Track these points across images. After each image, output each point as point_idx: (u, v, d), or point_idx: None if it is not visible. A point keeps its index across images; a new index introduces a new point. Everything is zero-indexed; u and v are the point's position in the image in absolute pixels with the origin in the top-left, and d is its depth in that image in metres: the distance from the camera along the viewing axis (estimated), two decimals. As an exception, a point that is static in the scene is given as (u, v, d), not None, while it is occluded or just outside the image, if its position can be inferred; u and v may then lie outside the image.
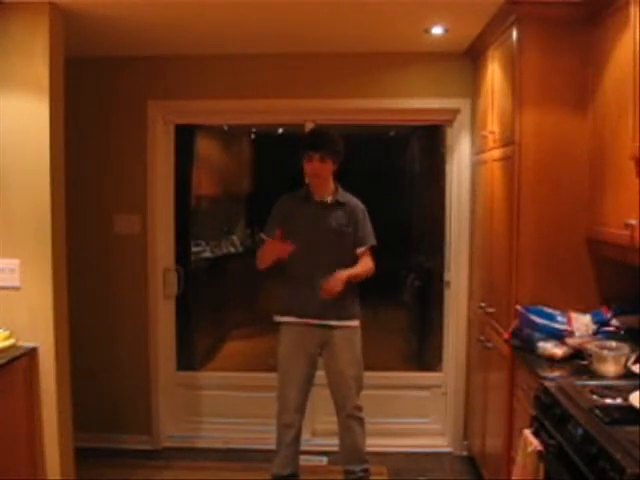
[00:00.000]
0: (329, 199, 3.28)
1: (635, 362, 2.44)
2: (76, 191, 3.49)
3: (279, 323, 3.32)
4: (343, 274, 3.16)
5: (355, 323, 3.30)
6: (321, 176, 3.23)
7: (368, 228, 3.33)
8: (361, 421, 3.31)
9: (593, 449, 1.82)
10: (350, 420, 3.28)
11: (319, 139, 3.24)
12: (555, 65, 2.86)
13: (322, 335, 3.24)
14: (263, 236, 3.33)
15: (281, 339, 3.31)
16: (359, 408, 3.30)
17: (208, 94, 3.96)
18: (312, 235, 3.24)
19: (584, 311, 2.80)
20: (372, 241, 3.33)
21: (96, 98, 3.94)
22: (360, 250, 3.30)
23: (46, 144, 2.88)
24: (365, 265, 3.30)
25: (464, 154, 3.95)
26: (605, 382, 2.33)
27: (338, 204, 3.29)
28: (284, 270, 3.30)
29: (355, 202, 3.34)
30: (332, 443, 3.52)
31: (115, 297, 4.04)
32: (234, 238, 5.99)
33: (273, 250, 3.20)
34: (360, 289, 3.35)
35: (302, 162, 3.24)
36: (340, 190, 3.32)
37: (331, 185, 3.30)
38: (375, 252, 3.37)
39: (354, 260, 3.28)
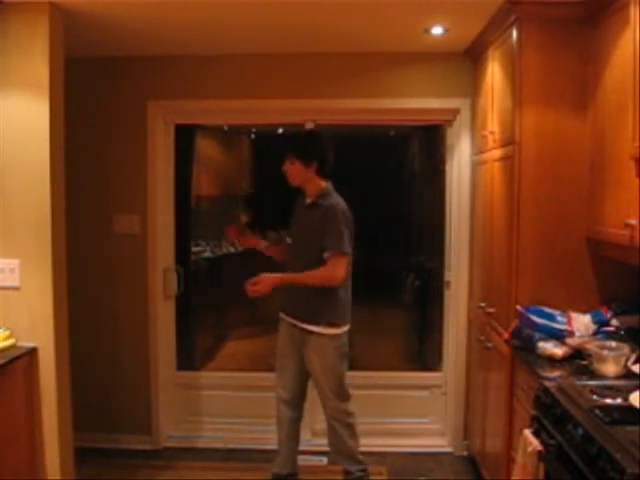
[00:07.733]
0: (310, 201, 3.23)
1: (635, 362, 2.44)
2: (76, 191, 3.48)
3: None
4: (269, 277, 3.08)
5: (328, 331, 3.12)
6: (293, 177, 3.22)
7: (335, 233, 3.04)
8: (347, 425, 3.24)
9: (593, 449, 1.82)
10: (332, 421, 3.26)
11: (289, 142, 3.29)
12: (555, 65, 2.86)
13: (298, 335, 3.21)
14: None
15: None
16: (347, 413, 3.24)
17: (208, 94, 3.96)
18: (295, 236, 3.30)
19: (584, 311, 2.79)
20: (338, 247, 3.02)
21: (96, 98, 3.94)
22: (325, 255, 3.04)
23: (46, 144, 2.88)
24: (315, 272, 3.04)
25: (464, 154, 3.94)
26: (605, 382, 2.33)
27: (315, 205, 3.18)
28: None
29: (330, 204, 3.10)
30: (332, 443, 3.51)
31: (115, 297, 4.04)
32: (234, 238, 5.99)
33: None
34: (353, 293, 3.25)
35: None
36: (327, 192, 3.18)
37: (317, 186, 3.19)
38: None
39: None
